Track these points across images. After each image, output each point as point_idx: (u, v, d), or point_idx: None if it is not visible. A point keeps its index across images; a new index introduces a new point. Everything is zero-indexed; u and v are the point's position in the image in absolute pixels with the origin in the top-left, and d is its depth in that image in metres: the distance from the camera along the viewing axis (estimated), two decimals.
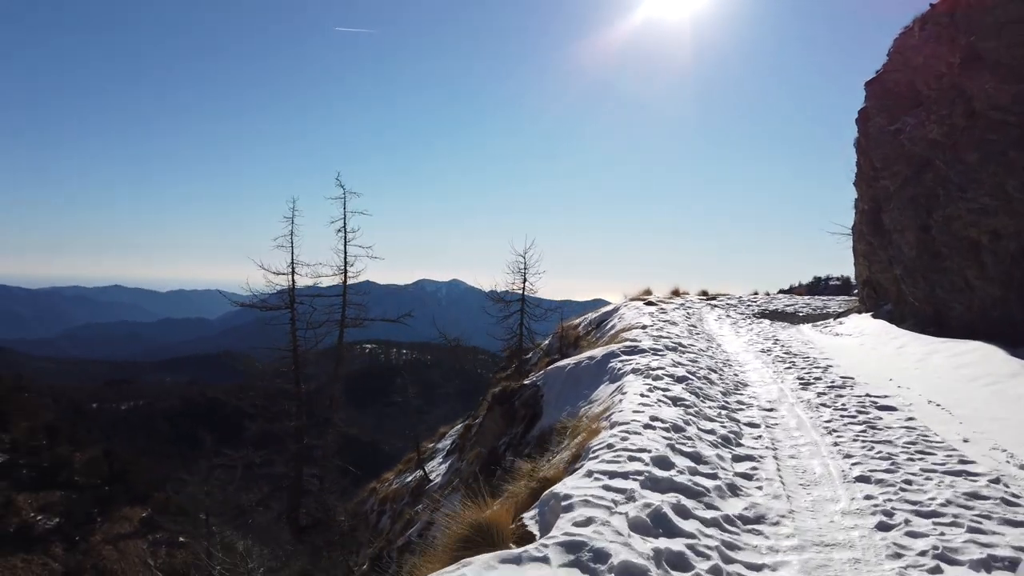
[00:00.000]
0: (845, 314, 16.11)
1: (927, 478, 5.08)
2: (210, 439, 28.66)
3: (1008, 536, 4.09)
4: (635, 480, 4.36)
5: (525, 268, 17.69)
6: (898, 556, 3.85)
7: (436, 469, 19.68)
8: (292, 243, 22.21)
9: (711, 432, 5.99)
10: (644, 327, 12.21)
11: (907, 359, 10.15)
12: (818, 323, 15.90)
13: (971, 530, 4.17)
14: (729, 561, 3.73)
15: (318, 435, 22.51)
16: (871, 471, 5.24)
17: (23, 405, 39.67)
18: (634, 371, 8.07)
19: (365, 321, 23.29)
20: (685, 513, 4.11)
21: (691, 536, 3.86)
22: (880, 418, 6.86)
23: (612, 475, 4.43)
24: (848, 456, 5.65)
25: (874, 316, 14.39)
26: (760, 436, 6.30)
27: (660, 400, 6.59)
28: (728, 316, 17.03)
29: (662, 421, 5.72)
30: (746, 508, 4.49)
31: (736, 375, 9.33)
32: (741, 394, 8.14)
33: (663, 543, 3.66)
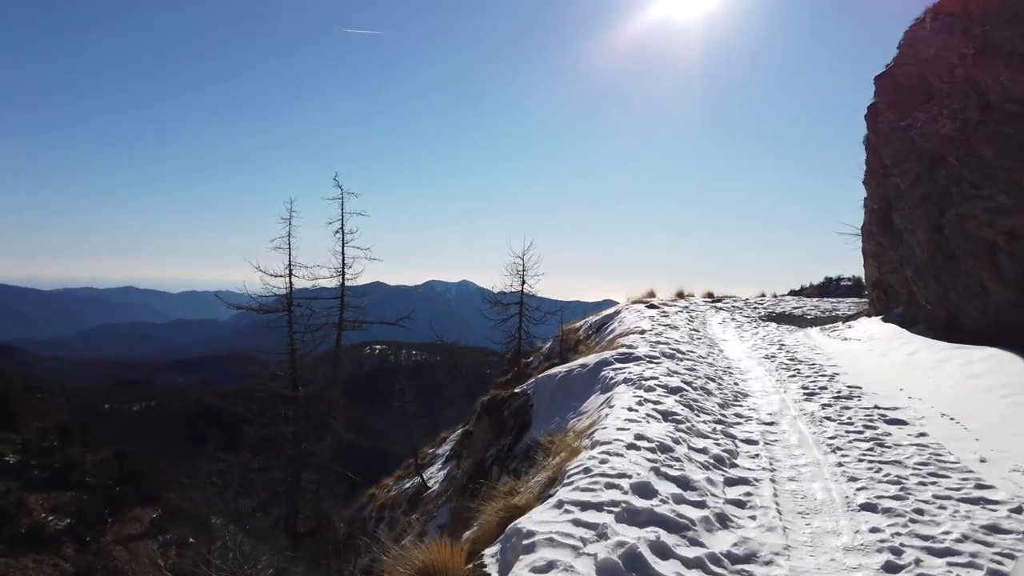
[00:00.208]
0: (854, 317, 15.54)
1: (941, 507, 4.57)
2: (212, 443, 28.48)
3: None
4: (610, 512, 3.90)
5: (523, 270, 17.23)
6: None
7: (435, 476, 19.25)
8: (290, 244, 21.80)
9: (703, 451, 5.51)
10: (643, 332, 11.72)
11: (918, 367, 9.61)
12: (826, 327, 15.35)
13: (991, 573, 3.67)
14: None
15: (316, 440, 22.14)
16: (878, 497, 4.74)
17: (35, 406, 39.75)
18: (626, 381, 7.59)
19: (364, 324, 22.89)
20: (664, 552, 3.64)
21: None
22: (889, 434, 6.35)
23: (585, 506, 3.96)
24: (853, 479, 5.15)
25: (884, 320, 13.83)
26: (758, 455, 5.81)
27: (650, 415, 6.11)
28: (733, 319, 16.50)
29: (648, 440, 5.24)
30: (735, 544, 4.00)
31: (736, 384, 8.83)
32: (740, 406, 7.64)
33: None
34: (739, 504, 4.66)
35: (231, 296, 23.25)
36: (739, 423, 6.84)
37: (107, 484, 33.21)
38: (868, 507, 4.60)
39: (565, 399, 8.43)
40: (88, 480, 33.06)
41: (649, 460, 4.83)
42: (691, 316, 15.70)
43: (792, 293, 34.15)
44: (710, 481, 4.83)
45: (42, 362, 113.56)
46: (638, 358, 8.89)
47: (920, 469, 5.33)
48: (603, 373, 8.36)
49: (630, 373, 7.94)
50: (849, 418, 6.93)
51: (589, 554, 3.38)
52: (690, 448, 5.49)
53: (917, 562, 3.78)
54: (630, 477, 4.41)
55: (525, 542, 3.47)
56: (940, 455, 5.67)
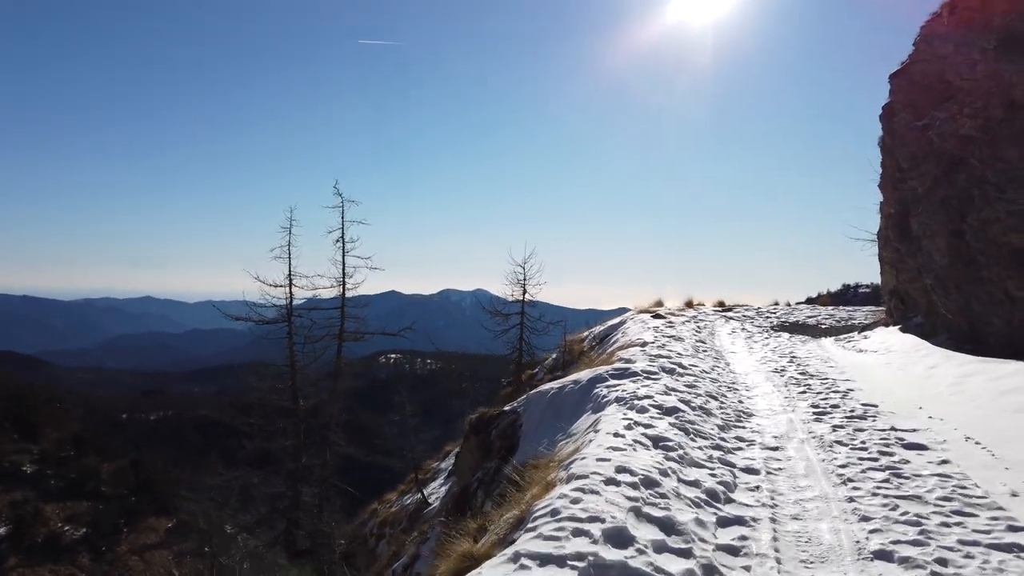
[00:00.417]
0: (871, 327, 14.79)
1: (967, 555, 3.92)
2: (214, 455, 28.17)
3: None
4: (573, 569, 3.30)
5: (525, 279, 16.64)
6: None
7: (436, 491, 18.66)
8: (290, 254, 21.46)
9: (694, 484, 4.88)
10: (644, 344, 11.10)
11: (939, 382, 8.90)
12: (841, 337, 14.63)
13: None
14: None
15: (317, 454, 21.68)
16: (894, 543, 4.10)
17: (52, 416, 40.04)
18: (618, 400, 6.98)
19: (365, 335, 22.44)
20: None
21: None
22: (907, 461, 5.69)
23: (545, 560, 3.37)
24: (865, 519, 4.51)
25: (902, 330, 13.10)
26: (758, 487, 5.18)
27: (638, 441, 5.50)
28: (743, 329, 15.80)
29: (631, 473, 4.63)
30: None
31: (740, 402, 8.18)
32: (743, 427, 7.00)
33: None
34: (732, 551, 4.04)
35: (230, 307, 22.90)
36: (740, 448, 6.20)
37: (123, 494, 33.38)
38: (882, 555, 3.97)
39: (555, 419, 7.84)
40: (104, 490, 33.25)
41: (629, 498, 4.22)
42: (699, 326, 15.04)
43: (808, 301, 33.26)
44: (699, 522, 4.21)
45: (65, 373, 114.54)
46: (634, 374, 8.28)
47: (942, 506, 4.68)
48: (596, 391, 7.76)
49: (623, 391, 7.33)
50: (863, 442, 6.28)
51: None
52: (680, 481, 4.87)
53: None
54: (603, 521, 3.80)
55: None
56: (965, 487, 5.02)
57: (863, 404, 7.83)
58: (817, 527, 4.45)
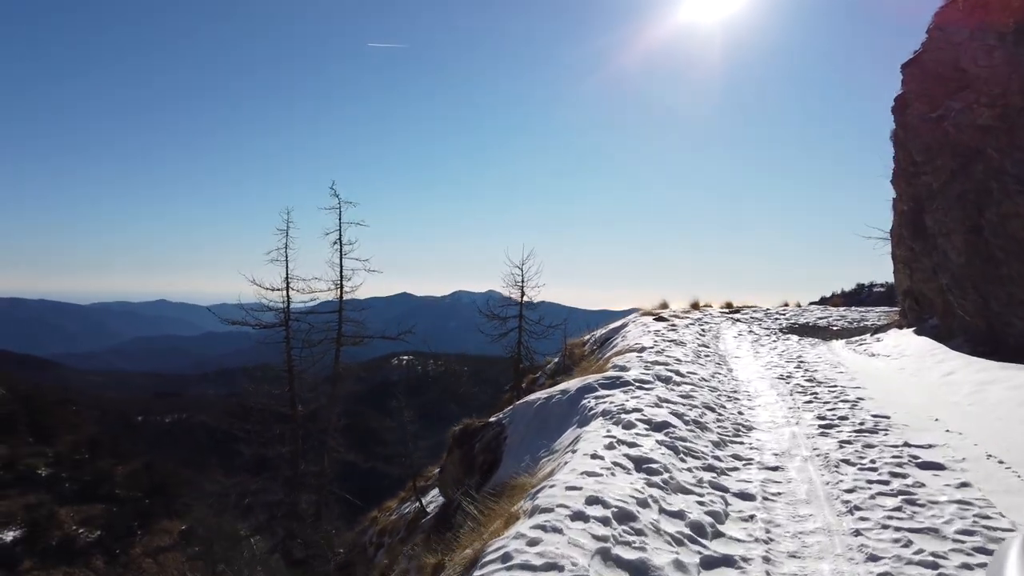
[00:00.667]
0: (884, 329, 14.11)
1: None
2: (214, 461, 27.96)
3: None
4: None
5: (523, 281, 16.07)
6: None
7: (435, 499, 18.15)
8: (287, 257, 21.06)
9: (678, 516, 4.31)
10: (642, 349, 10.51)
11: (957, 390, 8.26)
12: (853, 339, 13.96)
13: None
14: None
15: (316, 460, 21.22)
16: None
17: (67, 419, 40.25)
18: (604, 414, 6.42)
19: (364, 339, 21.97)
20: None
21: None
22: (922, 484, 5.09)
23: None
24: (873, 558, 3.92)
25: (917, 332, 12.43)
26: (752, 516, 4.60)
27: (618, 463, 4.93)
28: (751, 332, 15.16)
29: (604, 504, 4.06)
30: None
31: (741, 413, 7.58)
32: (741, 443, 6.41)
33: None
34: None
35: (227, 310, 22.53)
36: (735, 469, 5.61)
37: (136, 496, 33.55)
38: None
39: (541, 432, 7.28)
40: (118, 492, 33.52)
41: (597, 537, 3.66)
42: (703, 329, 14.42)
43: (820, 301, 32.46)
44: (679, 565, 3.64)
45: (80, 375, 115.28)
46: (626, 384, 7.70)
47: (963, 541, 4.09)
48: (584, 402, 7.20)
49: (611, 404, 6.76)
50: (872, 461, 5.67)
51: None
52: (662, 512, 4.30)
53: None
54: (561, 569, 3.25)
55: None
56: (988, 517, 4.42)
57: (874, 416, 7.22)
58: (818, 568, 3.87)
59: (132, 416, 71.00)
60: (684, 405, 7.12)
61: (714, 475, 5.30)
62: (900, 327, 13.62)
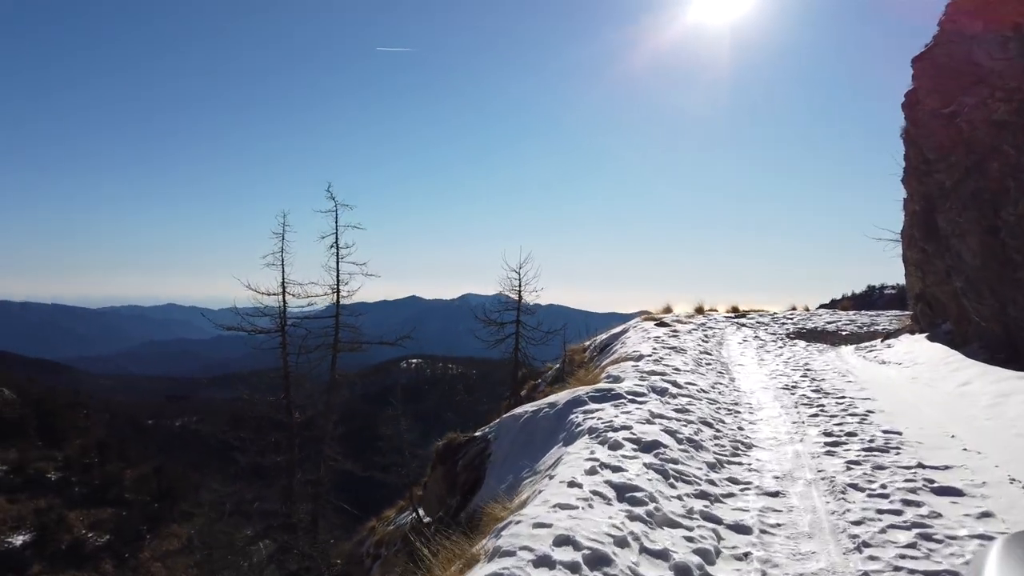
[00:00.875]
0: (895, 334, 13.54)
1: None
2: (213, 467, 27.72)
3: None
4: None
5: (520, 285, 15.55)
6: None
7: None
8: (283, 260, 20.67)
9: (662, 556, 3.81)
10: (639, 357, 10.02)
11: (974, 402, 7.72)
12: (863, 345, 13.41)
13: None
14: None
15: (313, 469, 20.79)
16: None
17: (77, 423, 40.36)
18: (590, 432, 5.93)
19: (362, 345, 21.53)
20: None
21: None
22: (938, 514, 4.57)
23: None
24: None
25: (930, 338, 11.87)
26: (747, 554, 4.10)
27: (598, 492, 4.43)
28: (756, 337, 14.63)
29: (576, 546, 3.57)
30: None
31: (741, 429, 7.08)
32: (739, 463, 5.91)
33: None
34: None
35: (226, 315, 22.17)
36: (731, 495, 5.11)
37: (145, 500, 33.53)
38: None
39: (526, 449, 6.81)
40: (127, 496, 33.54)
41: None
42: (706, 335, 13.90)
43: (831, 303, 31.79)
44: None
45: (91, 379, 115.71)
46: (618, 396, 7.21)
47: None
48: (571, 417, 6.71)
49: (598, 420, 6.27)
50: (883, 486, 5.16)
51: None
52: (644, 551, 3.81)
53: None
54: None
55: None
56: None
57: (884, 431, 6.69)
58: None
59: (143, 420, 71.03)
60: (679, 421, 6.62)
61: (707, 503, 4.80)
62: (912, 332, 13.06)
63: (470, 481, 7.18)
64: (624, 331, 14.52)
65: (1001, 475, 5.36)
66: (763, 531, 4.45)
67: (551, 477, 4.78)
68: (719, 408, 7.77)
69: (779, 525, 4.57)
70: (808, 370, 10.55)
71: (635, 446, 5.56)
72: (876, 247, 14.63)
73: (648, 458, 5.32)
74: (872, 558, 3.99)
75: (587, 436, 5.83)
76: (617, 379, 8.14)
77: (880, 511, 4.67)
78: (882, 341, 13.23)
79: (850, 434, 6.70)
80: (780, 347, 13.42)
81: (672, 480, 5.04)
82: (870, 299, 33.98)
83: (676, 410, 7.05)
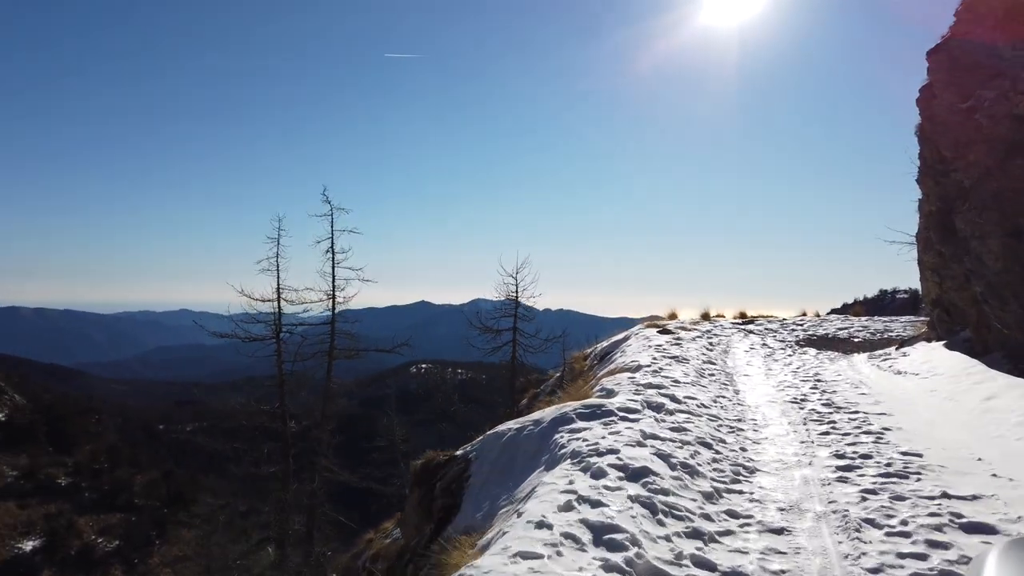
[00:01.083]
0: (911, 342, 12.83)
1: None
2: (211, 476, 27.33)
3: None
4: None
5: (517, 290, 14.95)
6: None
7: None
8: (278, 266, 20.24)
9: None
10: (637, 368, 9.40)
11: (1001, 420, 7.04)
12: (876, 353, 12.71)
13: None
14: None
15: (309, 480, 20.27)
16: None
17: (87, 428, 40.41)
18: (572, 457, 5.32)
19: (358, 352, 21.00)
20: None
21: None
22: (967, 559, 3.94)
23: None
24: None
25: (948, 346, 11.16)
26: None
27: (570, 535, 3.82)
28: (764, 345, 13.96)
29: None
30: None
31: (743, 450, 6.44)
32: (740, 493, 5.28)
33: None
34: None
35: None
36: (728, 533, 4.48)
37: (155, 505, 33.40)
38: None
39: (507, 472, 6.21)
40: (136, 501, 33.51)
41: None
42: (711, 343, 13.26)
43: (842, 308, 31.00)
44: None
45: (104, 384, 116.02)
46: (608, 413, 6.59)
47: None
48: (556, 437, 6.11)
49: (584, 441, 5.66)
50: (903, 522, 4.51)
51: None
52: None
53: None
54: None
55: None
56: None
57: (903, 453, 6.05)
58: None
59: (154, 424, 70.98)
60: (674, 442, 6.00)
61: (699, 545, 4.17)
62: (928, 340, 12.36)
63: (446, 507, 6.57)
64: (625, 339, 13.88)
65: None
66: None
67: (519, 514, 4.18)
68: (720, 425, 7.13)
69: (783, 573, 3.94)
70: (818, 381, 9.90)
71: (621, 474, 4.95)
72: (889, 250, 13.92)
73: (635, 488, 4.71)
74: None
75: (568, 461, 5.23)
76: (610, 393, 7.53)
77: (902, 555, 4.03)
78: (897, 349, 12.53)
79: (864, 456, 6.06)
80: (789, 355, 12.75)
81: (661, 516, 4.42)
82: (882, 303, 33.17)
83: (672, 428, 6.43)
